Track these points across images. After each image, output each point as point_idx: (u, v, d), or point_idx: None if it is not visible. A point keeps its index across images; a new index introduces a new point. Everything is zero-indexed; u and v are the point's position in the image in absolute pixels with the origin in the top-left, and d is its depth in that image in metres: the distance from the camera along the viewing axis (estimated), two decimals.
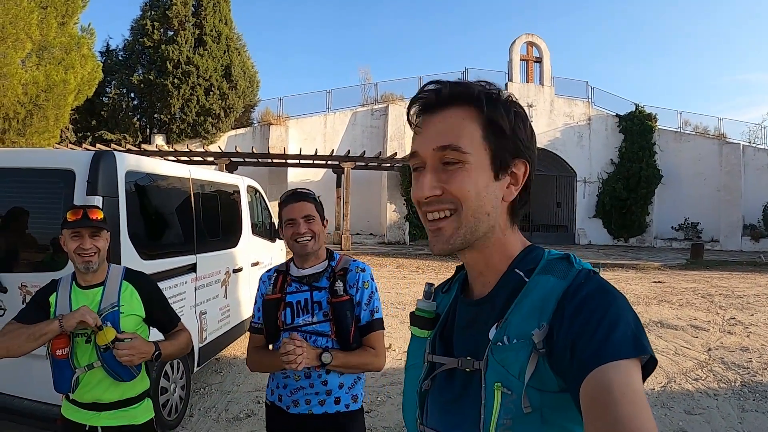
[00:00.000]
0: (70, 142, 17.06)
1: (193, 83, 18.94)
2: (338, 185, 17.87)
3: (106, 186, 3.03)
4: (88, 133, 18.96)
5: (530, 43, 21.82)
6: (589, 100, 22.47)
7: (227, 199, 5.05)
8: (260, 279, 2.04)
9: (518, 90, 20.56)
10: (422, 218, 0.87)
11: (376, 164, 17.94)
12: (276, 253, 6.31)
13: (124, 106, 19.36)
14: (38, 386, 3.03)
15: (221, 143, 19.02)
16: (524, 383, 0.76)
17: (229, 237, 4.93)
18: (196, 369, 4.23)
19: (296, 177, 18.64)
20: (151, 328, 2.14)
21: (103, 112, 19.19)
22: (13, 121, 12.75)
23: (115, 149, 8.56)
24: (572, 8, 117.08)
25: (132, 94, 19.65)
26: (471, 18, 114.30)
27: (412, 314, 1.01)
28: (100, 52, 19.32)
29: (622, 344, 0.70)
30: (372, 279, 1.96)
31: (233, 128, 19.93)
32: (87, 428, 1.97)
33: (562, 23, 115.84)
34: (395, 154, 17.82)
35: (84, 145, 16.19)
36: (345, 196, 16.75)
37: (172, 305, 2.27)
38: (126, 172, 3.26)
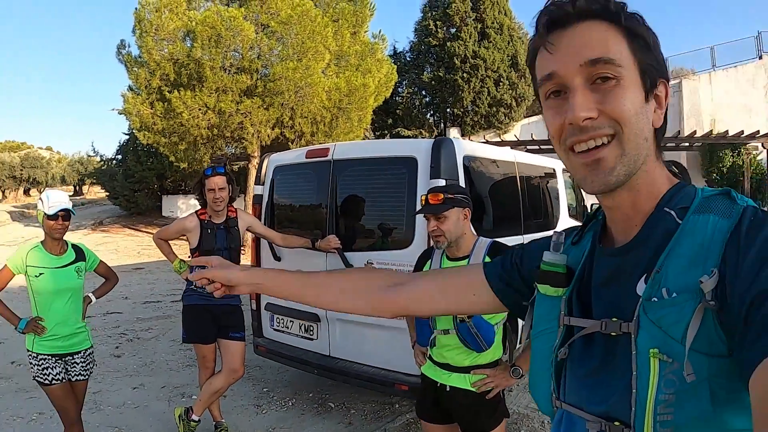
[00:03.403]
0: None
1: (482, 76, 19.64)
2: None
3: (447, 169, 3.24)
4: (385, 131, 20.85)
5: None
6: None
7: (546, 182, 5.14)
8: None
9: None
10: (565, 154, 0.74)
11: (674, 144, 17.23)
12: None
13: (417, 104, 20.87)
14: (376, 354, 3.33)
15: (515, 132, 19.68)
16: (686, 347, 0.62)
17: (549, 219, 5.00)
18: None
19: None
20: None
21: (398, 111, 20.91)
22: (320, 125, 14.33)
23: None
24: None
25: (423, 92, 21.11)
26: None
27: (538, 270, 0.85)
28: (389, 55, 21.00)
29: None
30: None
31: (525, 116, 20.49)
32: (438, 385, 2.16)
33: None
34: (694, 132, 16.68)
35: None
36: None
37: None
38: (463, 156, 3.44)
